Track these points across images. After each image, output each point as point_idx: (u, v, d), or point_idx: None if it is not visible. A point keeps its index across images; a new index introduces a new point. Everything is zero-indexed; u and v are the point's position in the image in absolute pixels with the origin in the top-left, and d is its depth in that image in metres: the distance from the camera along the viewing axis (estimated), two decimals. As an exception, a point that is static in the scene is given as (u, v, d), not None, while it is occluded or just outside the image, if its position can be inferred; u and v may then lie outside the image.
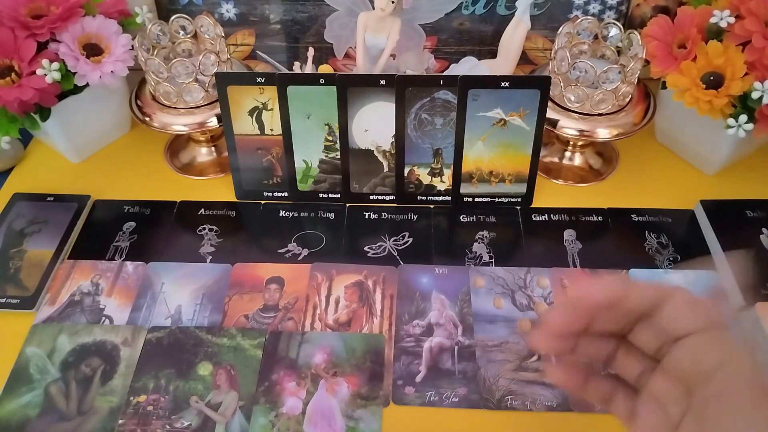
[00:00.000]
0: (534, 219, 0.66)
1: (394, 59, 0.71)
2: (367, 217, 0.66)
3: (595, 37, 0.68)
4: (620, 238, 0.64)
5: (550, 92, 0.62)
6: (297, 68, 0.73)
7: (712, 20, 0.60)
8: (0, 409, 0.51)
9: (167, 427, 0.50)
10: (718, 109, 0.59)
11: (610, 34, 0.67)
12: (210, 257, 0.62)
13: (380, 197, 0.67)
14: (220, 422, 0.50)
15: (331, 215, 0.67)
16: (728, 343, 0.28)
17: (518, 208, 0.67)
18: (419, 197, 0.67)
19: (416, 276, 0.60)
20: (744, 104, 0.59)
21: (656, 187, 0.69)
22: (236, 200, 0.69)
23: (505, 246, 0.63)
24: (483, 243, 0.64)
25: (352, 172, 0.66)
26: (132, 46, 0.65)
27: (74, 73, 0.63)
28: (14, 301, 0.58)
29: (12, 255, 0.62)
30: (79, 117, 0.69)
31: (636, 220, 0.65)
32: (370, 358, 0.54)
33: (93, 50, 0.64)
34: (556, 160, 0.72)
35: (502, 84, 0.60)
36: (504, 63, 0.70)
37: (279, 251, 0.63)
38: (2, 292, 0.59)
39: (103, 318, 0.57)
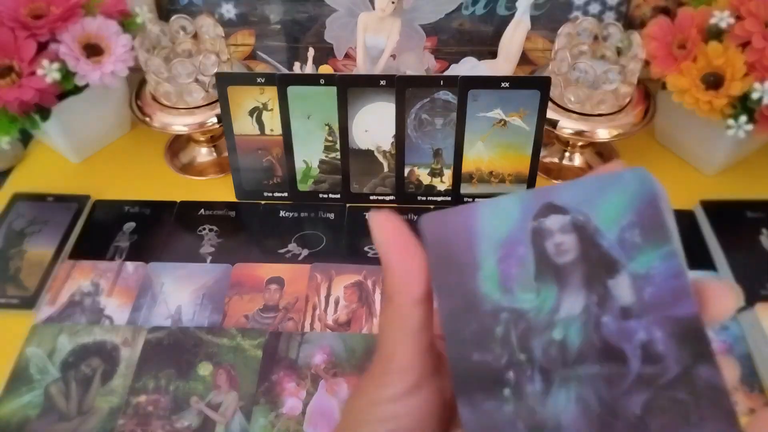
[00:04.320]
0: (534, 219, 0.66)
1: (394, 60, 0.71)
2: (367, 217, 0.66)
3: (595, 37, 0.68)
4: (620, 238, 0.64)
5: (550, 93, 0.62)
6: (297, 68, 0.73)
7: (712, 21, 0.60)
8: (0, 409, 0.51)
9: (167, 427, 0.50)
10: (718, 110, 0.59)
11: (610, 35, 0.67)
12: (210, 257, 0.62)
13: (380, 197, 0.67)
14: (220, 422, 0.50)
15: (331, 215, 0.67)
16: None
17: (518, 208, 0.67)
18: (419, 197, 0.67)
19: (416, 276, 0.60)
20: (744, 105, 0.59)
21: (656, 187, 0.69)
22: (236, 200, 0.69)
23: (505, 246, 0.63)
24: (483, 243, 0.63)
25: (352, 172, 0.66)
26: (132, 47, 0.65)
27: (74, 74, 0.63)
28: (14, 301, 0.58)
29: (12, 255, 0.62)
30: (80, 117, 0.69)
31: (636, 220, 0.65)
32: (370, 359, 0.54)
33: (93, 50, 0.64)
34: (556, 160, 0.72)
35: (502, 84, 0.60)
36: (504, 63, 0.70)
37: (279, 251, 0.63)
38: (2, 292, 0.59)
39: (103, 318, 0.57)
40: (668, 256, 0.21)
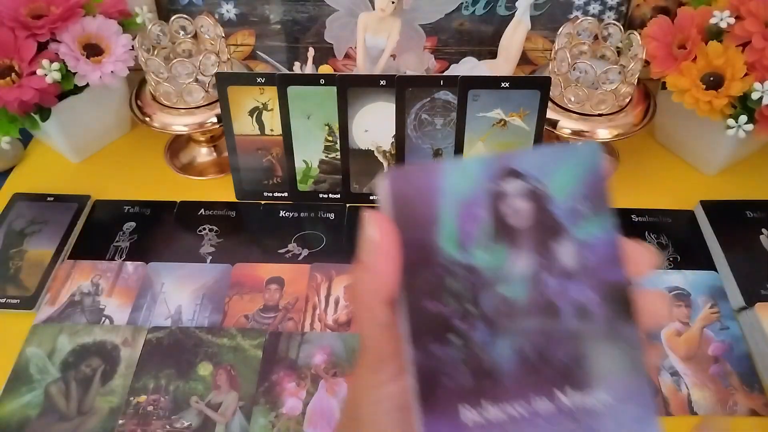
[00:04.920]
0: (534, 219, 0.66)
1: (394, 60, 0.71)
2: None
3: (595, 37, 0.68)
4: (620, 238, 0.64)
5: (550, 93, 0.62)
6: (297, 68, 0.73)
7: (712, 21, 0.60)
8: (0, 409, 0.51)
9: (167, 427, 0.50)
10: (718, 110, 0.59)
11: (610, 35, 0.67)
12: (210, 257, 0.62)
13: (380, 197, 0.67)
14: (220, 422, 0.50)
15: (331, 215, 0.67)
16: None
17: (518, 208, 0.67)
18: (419, 197, 0.67)
19: (416, 276, 0.60)
20: (744, 105, 0.59)
21: (656, 187, 0.69)
22: (236, 200, 0.68)
23: (505, 246, 0.63)
24: (483, 243, 0.63)
25: (352, 172, 0.66)
26: (132, 47, 0.65)
27: (74, 74, 0.63)
28: (14, 301, 0.58)
29: (12, 255, 0.62)
30: (79, 117, 0.69)
31: (636, 220, 0.65)
32: (370, 359, 0.54)
33: (93, 50, 0.64)
34: (556, 160, 0.72)
35: (502, 84, 0.60)
36: (504, 63, 0.70)
37: (279, 251, 0.63)
38: (2, 292, 0.59)
39: (103, 318, 0.57)
40: (608, 226, 0.24)
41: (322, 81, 0.61)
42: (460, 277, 0.24)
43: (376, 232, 0.24)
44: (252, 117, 0.63)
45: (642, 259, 0.24)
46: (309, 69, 0.71)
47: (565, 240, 0.24)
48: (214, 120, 0.66)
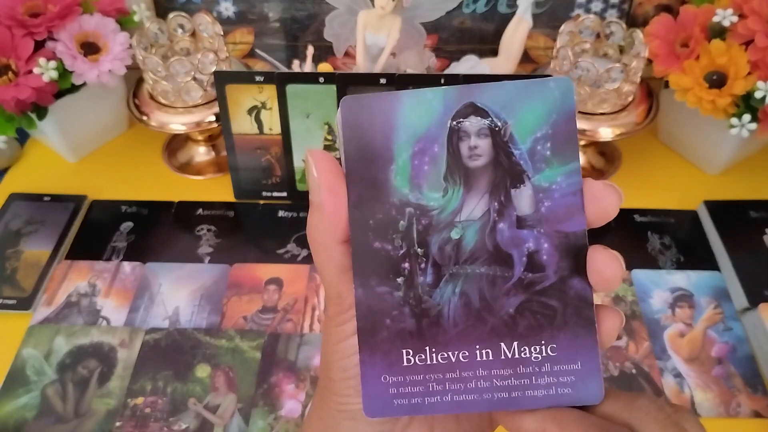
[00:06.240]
0: (535, 219, 0.65)
1: (394, 58, 0.71)
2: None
3: (597, 35, 0.67)
4: (622, 238, 0.63)
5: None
6: (296, 67, 0.72)
7: (715, 19, 0.60)
8: (-4, 412, 0.50)
9: (165, 429, 0.49)
10: (721, 109, 0.59)
11: (613, 33, 0.66)
12: (208, 258, 0.62)
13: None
14: (218, 425, 0.50)
15: (331, 215, 0.66)
16: None
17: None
18: (419, 197, 0.66)
19: (416, 277, 0.59)
20: (747, 104, 0.59)
21: (659, 187, 0.69)
22: (235, 200, 0.68)
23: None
24: (484, 243, 0.63)
25: (351, 171, 0.65)
26: (130, 45, 0.65)
27: (71, 72, 0.62)
28: (11, 302, 0.58)
29: (8, 255, 0.62)
30: (77, 116, 0.68)
31: (638, 220, 0.65)
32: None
33: (90, 49, 0.64)
34: (557, 159, 0.72)
35: (504, 83, 0.59)
36: (505, 62, 0.69)
37: (278, 252, 0.62)
38: (-1, 293, 0.58)
39: (100, 319, 0.57)
40: (571, 173, 0.23)
41: (321, 79, 0.60)
42: (410, 218, 0.23)
43: (318, 169, 0.23)
44: (251, 116, 0.63)
45: (606, 199, 0.23)
46: (308, 67, 0.70)
47: (523, 185, 0.23)
48: (213, 119, 0.66)
